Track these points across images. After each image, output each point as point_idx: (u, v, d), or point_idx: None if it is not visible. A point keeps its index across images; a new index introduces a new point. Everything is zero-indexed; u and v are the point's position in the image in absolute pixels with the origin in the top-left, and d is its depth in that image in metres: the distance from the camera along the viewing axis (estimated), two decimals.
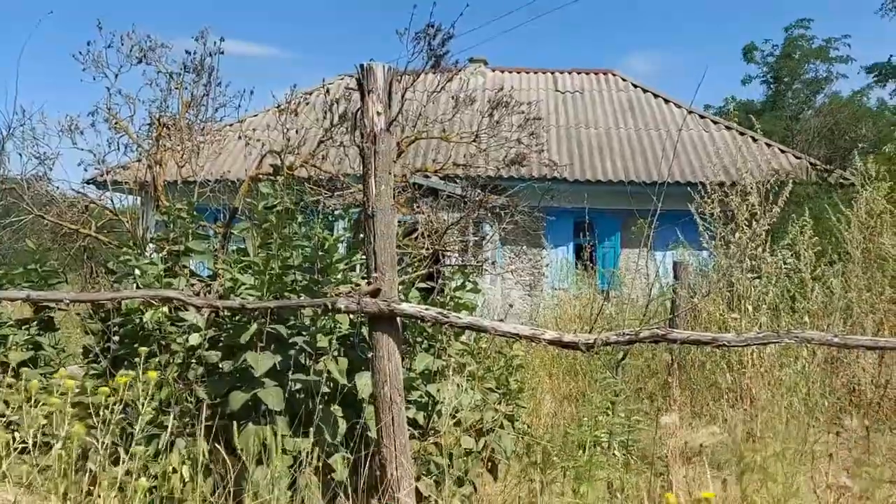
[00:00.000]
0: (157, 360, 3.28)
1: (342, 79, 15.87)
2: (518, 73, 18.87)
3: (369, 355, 3.52)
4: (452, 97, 5.68)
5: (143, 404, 2.82)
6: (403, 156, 5.79)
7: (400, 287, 3.46)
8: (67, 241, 6.02)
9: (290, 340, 3.45)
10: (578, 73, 18.96)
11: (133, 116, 5.87)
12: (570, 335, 3.04)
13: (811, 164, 14.10)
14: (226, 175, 7.07)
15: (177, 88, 5.59)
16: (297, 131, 5.08)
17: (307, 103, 5.40)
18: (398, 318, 3.22)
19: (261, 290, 3.44)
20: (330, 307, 3.17)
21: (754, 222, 5.91)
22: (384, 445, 3.13)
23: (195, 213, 4.34)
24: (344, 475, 3.32)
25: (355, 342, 3.71)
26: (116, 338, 3.59)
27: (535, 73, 18.96)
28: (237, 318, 3.56)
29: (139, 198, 5.71)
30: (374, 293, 3.15)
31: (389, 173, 3.26)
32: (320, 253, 3.47)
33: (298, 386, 3.36)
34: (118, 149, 5.74)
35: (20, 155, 5.79)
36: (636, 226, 12.15)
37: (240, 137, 5.49)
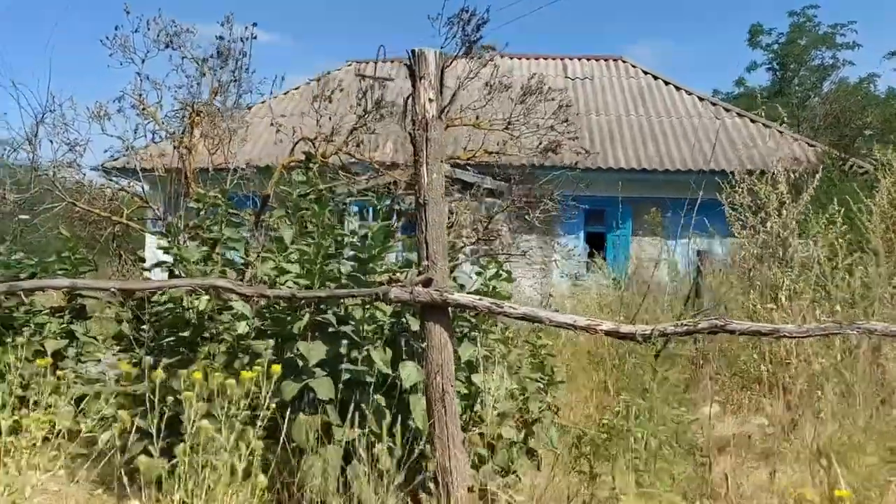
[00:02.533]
0: (205, 349, 3.25)
1: (350, 65, 15.82)
2: (528, 59, 18.73)
3: (413, 346, 3.49)
4: (486, 84, 5.62)
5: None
6: None
7: None
8: (96, 229, 5.97)
9: (339, 330, 3.41)
10: (588, 60, 18.84)
11: (160, 102, 5.82)
12: (627, 326, 3.01)
13: (826, 151, 14.02)
14: (251, 161, 7.01)
15: (205, 74, 5.51)
16: (329, 118, 5.02)
17: (341, 90, 5.34)
18: (449, 308, 3.19)
19: (309, 279, 3.40)
20: (381, 296, 3.14)
21: (784, 211, 5.86)
22: (436, 436, 3.10)
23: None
24: (390, 465, 3.30)
25: (398, 332, 3.67)
26: (146, 326, 3.54)
27: (546, 59, 18.84)
28: (281, 306, 3.52)
29: (167, 184, 5.65)
30: (426, 282, 3.11)
31: (441, 161, 3.21)
32: (368, 242, 3.43)
33: (346, 376, 3.33)
34: (145, 135, 5.69)
35: (51, 142, 5.74)
36: (648, 214, 12.10)
37: (272, 124, 5.43)
